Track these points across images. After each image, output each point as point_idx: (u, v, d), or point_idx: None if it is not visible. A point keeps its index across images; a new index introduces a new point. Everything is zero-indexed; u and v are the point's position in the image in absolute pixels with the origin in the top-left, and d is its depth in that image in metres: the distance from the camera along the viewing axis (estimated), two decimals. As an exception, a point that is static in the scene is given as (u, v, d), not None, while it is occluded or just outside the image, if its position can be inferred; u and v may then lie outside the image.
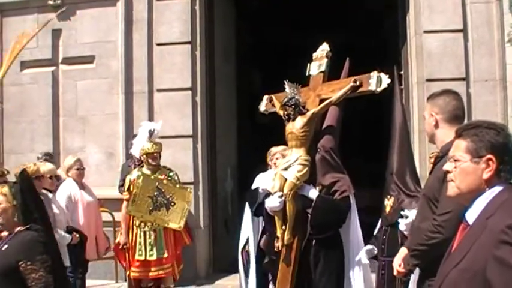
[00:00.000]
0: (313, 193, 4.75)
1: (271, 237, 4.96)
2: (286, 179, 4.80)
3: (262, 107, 5.62)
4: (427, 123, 3.66)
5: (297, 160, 4.79)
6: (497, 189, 2.16)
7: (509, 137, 2.21)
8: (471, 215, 2.20)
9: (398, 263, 3.71)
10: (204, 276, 8.56)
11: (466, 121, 4.81)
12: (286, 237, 4.77)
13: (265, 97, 5.59)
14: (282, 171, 4.86)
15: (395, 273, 3.80)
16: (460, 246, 2.18)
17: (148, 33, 8.95)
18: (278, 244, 4.82)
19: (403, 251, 3.74)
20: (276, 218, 4.86)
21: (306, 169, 4.77)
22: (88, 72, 9.14)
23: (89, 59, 9.13)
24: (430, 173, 3.61)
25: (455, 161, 2.28)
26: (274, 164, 5.82)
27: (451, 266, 2.16)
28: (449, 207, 3.12)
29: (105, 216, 7.83)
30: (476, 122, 2.43)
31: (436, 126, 3.58)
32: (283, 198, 4.76)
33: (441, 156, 3.42)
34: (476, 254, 2.03)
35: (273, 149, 6.08)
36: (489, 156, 2.18)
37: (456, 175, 2.29)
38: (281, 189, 4.81)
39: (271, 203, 4.82)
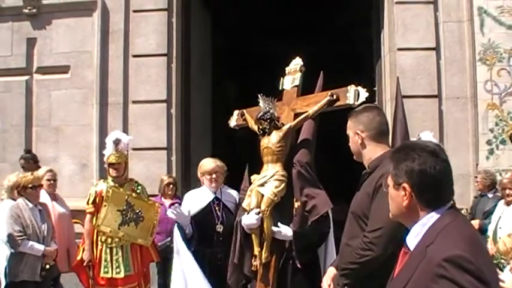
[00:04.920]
0: (288, 231, 4.61)
1: (245, 255, 4.84)
2: (263, 195, 4.67)
3: (233, 122, 5.49)
4: (352, 142, 3.51)
5: (273, 176, 4.66)
6: (435, 215, 2.08)
7: (429, 162, 2.08)
8: (411, 240, 2.14)
9: (327, 283, 3.45)
10: None
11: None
12: (263, 255, 4.64)
13: (236, 112, 5.49)
14: (258, 188, 4.72)
15: None
16: (401, 274, 2.12)
17: (124, 45, 8.94)
18: (256, 263, 4.67)
19: (331, 271, 3.53)
20: (252, 235, 4.73)
21: (283, 185, 4.65)
22: (63, 82, 9.07)
23: (63, 69, 9.07)
24: (358, 190, 3.44)
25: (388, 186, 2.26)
26: (212, 180, 5.50)
27: None
28: (379, 223, 3.04)
29: (78, 228, 7.73)
30: (404, 144, 2.36)
31: (362, 144, 3.44)
32: (260, 215, 4.63)
33: (369, 173, 3.34)
34: (415, 285, 1.98)
35: (209, 164, 5.63)
36: (404, 184, 2.11)
37: (389, 199, 2.25)
38: (258, 206, 4.67)
39: (249, 220, 4.68)
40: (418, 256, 2.02)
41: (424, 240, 2.04)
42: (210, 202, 5.52)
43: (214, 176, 5.54)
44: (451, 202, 2.15)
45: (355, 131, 3.45)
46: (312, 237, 4.64)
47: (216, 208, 5.52)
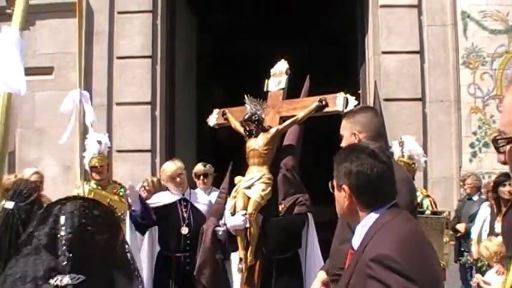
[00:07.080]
0: (236, 221, 4.62)
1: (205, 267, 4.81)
2: (249, 198, 4.63)
3: (212, 121, 5.40)
4: (347, 142, 3.29)
5: (260, 178, 4.62)
6: (374, 215, 2.08)
7: (366, 164, 2.08)
8: (355, 241, 2.14)
9: (317, 287, 3.29)
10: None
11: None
12: (249, 258, 4.60)
13: (216, 111, 5.41)
14: (244, 190, 4.67)
15: None
16: (344, 274, 2.13)
17: (108, 46, 8.90)
18: (242, 266, 4.62)
19: (321, 275, 3.38)
20: (238, 238, 4.66)
21: (269, 188, 4.62)
22: (47, 83, 8.98)
23: (47, 70, 8.99)
24: None
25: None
26: (177, 183, 5.34)
27: None
28: None
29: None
30: (346, 147, 2.39)
31: None
32: (246, 216, 4.58)
33: None
34: (354, 285, 2.01)
35: (171, 167, 5.42)
36: (344, 185, 2.12)
37: (335, 201, 2.25)
38: (244, 208, 4.60)
39: (235, 221, 4.60)
40: (357, 257, 2.04)
41: (363, 241, 2.06)
42: (175, 201, 5.33)
43: (178, 179, 5.33)
44: (393, 202, 2.13)
45: (352, 131, 3.31)
46: (296, 225, 4.67)
47: (183, 209, 5.32)
